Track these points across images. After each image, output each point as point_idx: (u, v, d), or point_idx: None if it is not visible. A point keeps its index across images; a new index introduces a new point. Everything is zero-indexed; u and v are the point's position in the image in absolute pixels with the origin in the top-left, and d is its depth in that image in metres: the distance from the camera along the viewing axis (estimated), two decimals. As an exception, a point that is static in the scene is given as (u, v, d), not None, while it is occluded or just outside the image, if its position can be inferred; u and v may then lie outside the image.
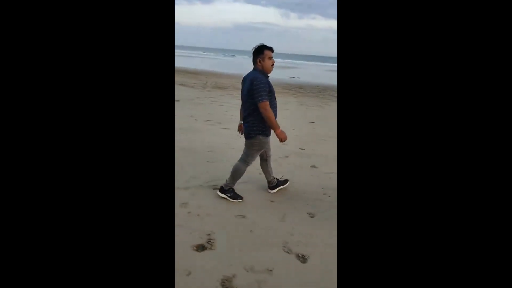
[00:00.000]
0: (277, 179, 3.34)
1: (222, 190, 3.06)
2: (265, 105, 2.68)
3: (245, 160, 2.98)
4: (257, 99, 2.68)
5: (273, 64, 2.84)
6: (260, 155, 3.12)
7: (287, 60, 52.37)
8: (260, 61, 2.80)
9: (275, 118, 2.80)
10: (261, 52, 2.79)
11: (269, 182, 3.28)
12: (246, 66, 30.16)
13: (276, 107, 2.87)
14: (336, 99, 11.33)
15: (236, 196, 3.04)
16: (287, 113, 7.51)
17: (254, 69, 2.86)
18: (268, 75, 2.87)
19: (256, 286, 1.93)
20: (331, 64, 48.45)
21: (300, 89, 13.66)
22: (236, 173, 3.01)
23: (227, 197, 3.02)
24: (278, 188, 3.31)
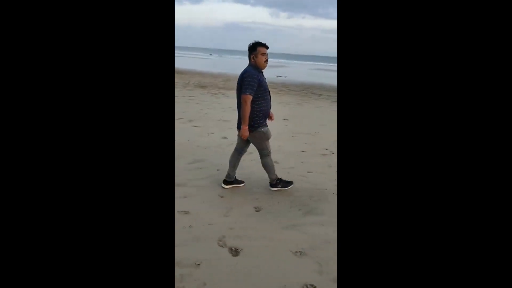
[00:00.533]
0: (235, 177, 3.34)
1: (272, 185, 3.25)
2: (247, 98, 2.82)
3: (263, 154, 3.14)
4: (242, 91, 2.83)
5: (266, 60, 2.97)
6: (237, 145, 3.27)
7: (275, 60, 52.54)
8: (253, 57, 2.95)
9: (269, 111, 3.05)
10: (254, 49, 2.95)
11: (227, 176, 3.30)
12: (232, 65, 30.27)
13: (269, 100, 3.03)
14: (316, 97, 11.39)
15: (286, 184, 3.26)
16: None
17: (249, 64, 2.99)
18: (262, 70, 3.00)
19: (179, 279, 1.91)
20: (318, 63, 48.66)
21: (284, 87, 13.67)
22: (269, 168, 3.19)
23: (280, 189, 3.22)
24: (232, 186, 3.31)
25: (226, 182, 3.29)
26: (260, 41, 2.99)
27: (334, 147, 4.96)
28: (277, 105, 8.95)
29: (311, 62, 50.99)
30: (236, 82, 3.11)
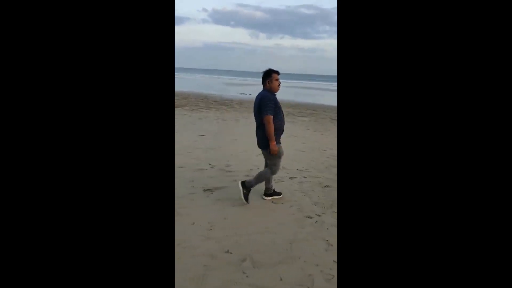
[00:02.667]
0: (274, 189, 3.74)
1: (243, 184, 3.49)
2: (269, 119, 3.23)
3: (272, 169, 3.51)
4: (263, 112, 3.24)
5: (279, 84, 3.42)
6: (265, 163, 3.61)
7: (250, 79, 53.34)
8: (268, 83, 3.37)
9: (283, 129, 3.44)
10: (269, 75, 3.38)
11: (266, 189, 3.67)
12: (206, 84, 30.61)
13: (283, 119, 3.43)
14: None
15: (246, 197, 3.50)
16: (199, 126, 7.62)
17: (263, 89, 3.42)
18: (276, 93, 3.43)
19: None
20: (292, 81, 49.62)
21: (239, 104, 13.90)
22: (260, 177, 3.52)
23: (241, 192, 3.46)
24: (272, 197, 3.67)
25: (266, 194, 3.68)
26: (272, 68, 3.41)
27: (230, 161, 5.08)
28: (214, 121, 9.07)
29: (284, 80, 51.80)
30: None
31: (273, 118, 3.26)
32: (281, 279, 2.23)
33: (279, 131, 3.38)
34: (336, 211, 3.45)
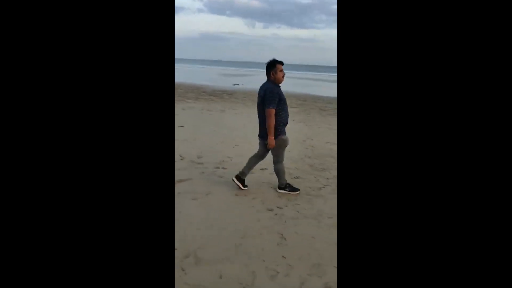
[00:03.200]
0: (244, 180, 3.66)
1: (280, 188, 3.59)
2: (271, 112, 3.21)
3: (277, 161, 3.49)
4: (266, 105, 3.21)
5: (283, 76, 3.36)
6: (258, 152, 3.60)
7: (246, 69, 52.87)
8: (273, 74, 3.32)
9: (287, 120, 3.40)
10: (273, 66, 3.32)
11: (241, 173, 3.62)
12: (200, 74, 30.30)
13: (287, 111, 3.39)
14: (242, 102, 11.44)
15: (293, 189, 3.58)
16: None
17: (267, 80, 3.37)
18: (280, 85, 3.37)
19: None
20: (289, 71, 49.09)
21: (229, 95, 13.73)
22: (280, 173, 3.54)
23: (287, 192, 3.55)
24: (240, 185, 3.59)
25: (238, 178, 3.61)
26: (276, 58, 3.35)
27: (203, 152, 4.96)
28: (198, 111, 8.93)
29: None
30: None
31: (277, 111, 3.26)
32: (220, 277, 2.11)
33: (283, 123, 3.37)
34: (299, 203, 3.34)
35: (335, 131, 6.95)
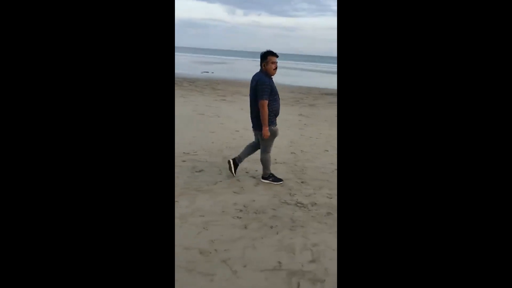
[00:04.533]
0: (238, 164, 3.75)
1: (264, 178, 3.64)
2: (264, 103, 3.26)
3: (265, 150, 3.54)
4: (259, 97, 3.26)
5: (275, 68, 3.37)
6: (254, 142, 3.69)
7: (224, 57, 52.11)
8: (264, 65, 3.35)
9: (279, 111, 3.46)
10: (265, 57, 3.33)
11: (237, 158, 3.73)
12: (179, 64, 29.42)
13: (278, 101, 3.42)
14: (201, 90, 11.15)
15: (276, 179, 3.64)
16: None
17: (260, 71, 3.41)
18: (272, 76, 3.39)
19: None
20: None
21: (190, 83, 13.37)
22: (266, 163, 3.59)
23: (270, 182, 3.60)
24: (233, 168, 3.69)
25: (234, 161, 3.70)
26: (271, 50, 3.35)
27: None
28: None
29: (257, 59, 50.69)
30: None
31: (269, 102, 3.29)
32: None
33: (274, 114, 3.42)
34: (192, 193, 3.15)
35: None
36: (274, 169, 4.07)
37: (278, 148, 4.94)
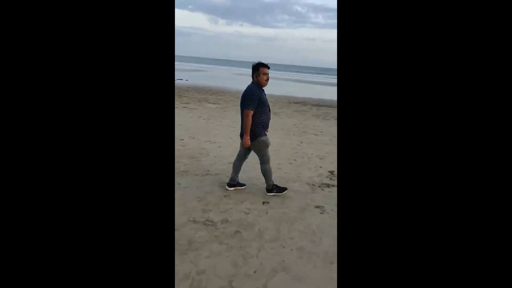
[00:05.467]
0: (238, 181, 3.69)
1: (268, 191, 3.55)
2: (248, 113, 3.22)
3: (263, 161, 3.47)
4: (245, 106, 3.22)
5: (267, 79, 3.34)
6: (239, 152, 3.62)
7: (204, 65, 51.69)
8: (256, 76, 3.33)
9: (268, 123, 3.42)
10: (257, 69, 3.31)
11: (230, 179, 3.64)
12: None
13: (268, 113, 3.40)
14: (183, 97, 10.76)
15: (281, 189, 3.57)
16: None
17: (252, 82, 3.36)
18: (264, 88, 3.37)
19: None
20: (240, 68, 48.74)
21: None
22: (267, 173, 3.51)
23: (275, 194, 3.53)
24: (235, 188, 3.62)
25: (230, 184, 3.62)
26: (263, 61, 3.34)
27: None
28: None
29: (234, 67, 51.38)
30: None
31: (258, 113, 3.28)
32: None
33: (263, 126, 3.37)
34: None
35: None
36: (203, 181, 3.77)
37: (218, 158, 4.65)
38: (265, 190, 3.58)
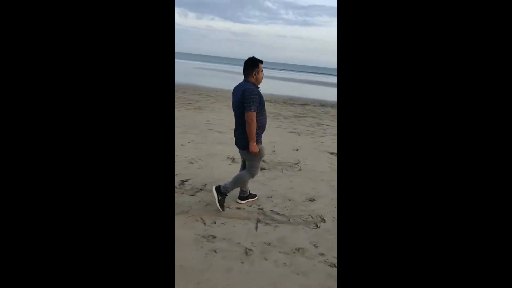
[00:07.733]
0: (249, 192, 3.34)
1: (217, 190, 3.03)
2: (252, 115, 2.74)
3: (250, 171, 3.04)
4: (246, 108, 2.74)
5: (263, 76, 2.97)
6: (242, 163, 3.25)
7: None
8: (255, 74, 2.88)
9: (265, 126, 2.97)
10: (256, 65, 2.88)
11: (241, 192, 3.29)
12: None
13: (265, 116, 2.95)
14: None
15: (221, 204, 3.03)
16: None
17: (245, 80, 2.91)
18: (259, 86, 2.94)
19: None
20: (210, 64, 47.78)
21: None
22: (238, 181, 3.07)
23: (216, 198, 3.01)
24: (247, 200, 3.30)
25: (241, 198, 3.29)
26: (256, 57, 2.94)
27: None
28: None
29: (203, 62, 50.62)
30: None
31: (256, 116, 2.80)
32: None
33: (261, 129, 2.92)
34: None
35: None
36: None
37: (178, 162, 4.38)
38: (218, 186, 3.09)
